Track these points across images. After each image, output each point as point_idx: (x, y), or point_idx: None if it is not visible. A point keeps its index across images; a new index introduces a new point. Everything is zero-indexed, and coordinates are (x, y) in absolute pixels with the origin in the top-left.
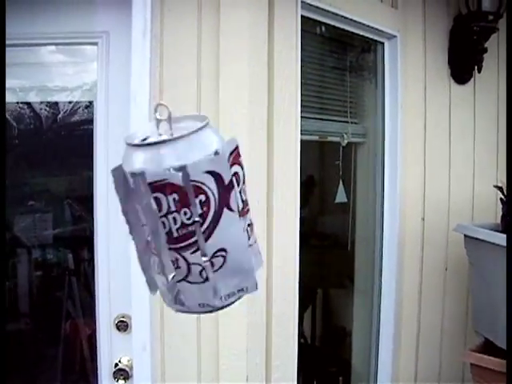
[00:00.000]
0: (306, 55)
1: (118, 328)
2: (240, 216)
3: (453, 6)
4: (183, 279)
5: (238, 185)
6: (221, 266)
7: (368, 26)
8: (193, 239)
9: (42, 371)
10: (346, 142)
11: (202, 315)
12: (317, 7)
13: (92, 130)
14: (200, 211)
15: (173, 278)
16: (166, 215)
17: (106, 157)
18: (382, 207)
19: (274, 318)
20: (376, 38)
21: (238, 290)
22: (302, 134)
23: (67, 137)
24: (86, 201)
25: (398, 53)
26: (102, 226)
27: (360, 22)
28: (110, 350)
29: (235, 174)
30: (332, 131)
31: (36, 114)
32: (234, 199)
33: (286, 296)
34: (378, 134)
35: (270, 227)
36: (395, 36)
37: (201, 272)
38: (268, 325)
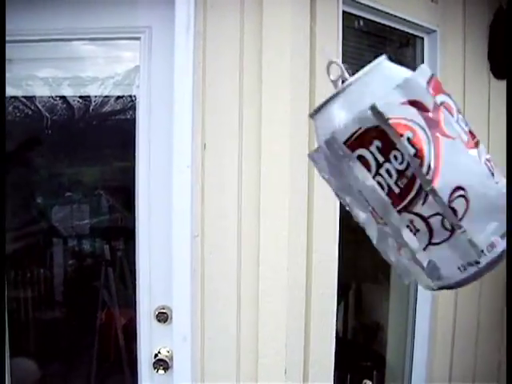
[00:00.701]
0: (345, 50)
1: (158, 319)
2: (467, 147)
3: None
4: (429, 244)
5: (452, 114)
6: (466, 210)
7: (408, 20)
8: (417, 185)
9: (78, 358)
10: None
11: (242, 308)
12: (357, 2)
13: (123, 120)
14: (413, 150)
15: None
16: (377, 172)
17: (148, 149)
18: None
19: (313, 314)
20: (415, 32)
21: (501, 236)
22: None
23: (99, 127)
24: (120, 191)
25: (437, 47)
26: (143, 218)
27: (400, 17)
28: (149, 340)
29: (442, 103)
30: None
31: (69, 104)
32: (449, 125)
33: (325, 292)
34: None
35: (311, 225)
36: (435, 31)
37: (443, 222)
38: (307, 321)
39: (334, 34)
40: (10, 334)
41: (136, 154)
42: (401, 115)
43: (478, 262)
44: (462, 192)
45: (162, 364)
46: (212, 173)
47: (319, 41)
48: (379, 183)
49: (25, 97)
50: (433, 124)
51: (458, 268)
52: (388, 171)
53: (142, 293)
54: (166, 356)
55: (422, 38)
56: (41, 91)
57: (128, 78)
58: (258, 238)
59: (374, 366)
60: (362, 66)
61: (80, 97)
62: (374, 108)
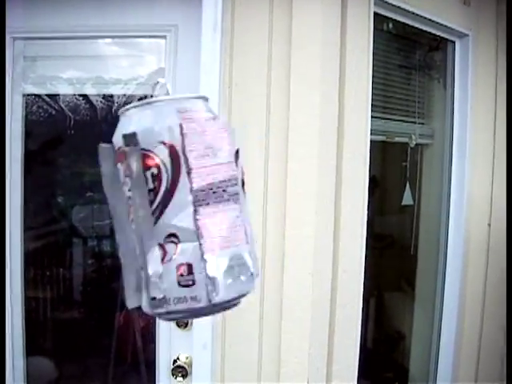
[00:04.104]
0: (374, 53)
1: (178, 324)
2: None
3: None
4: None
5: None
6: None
7: (440, 23)
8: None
9: (95, 359)
10: (414, 143)
11: (265, 316)
12: (390, 4)
13: None
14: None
15: None
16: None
17: None
18: (448, 211)
19: (338, 322)
20: (447, 36)
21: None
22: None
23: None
24: None
25: (469, 52)
26: None
27: (432, 20)
28: (168, 346)
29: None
30: (399, 131)
31: (92, 105)
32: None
33: (350, 300)
34: (447, 136)
35: (337, 229)
36: (467, 35)
37: None
38: (331, 330)
39: (364, 37)
40: (27, 333)
41: None
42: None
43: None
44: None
45: (180, 371)
46: None
47: (350, 41)
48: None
49: (48, 95)
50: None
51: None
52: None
53: None
54: (185, 362)
55: (454, 42)
56: (64, 91)
57: (151, 80)
58: (283, 245)
59: (396, 378)
60: (390, 69)
61: (103, 97)
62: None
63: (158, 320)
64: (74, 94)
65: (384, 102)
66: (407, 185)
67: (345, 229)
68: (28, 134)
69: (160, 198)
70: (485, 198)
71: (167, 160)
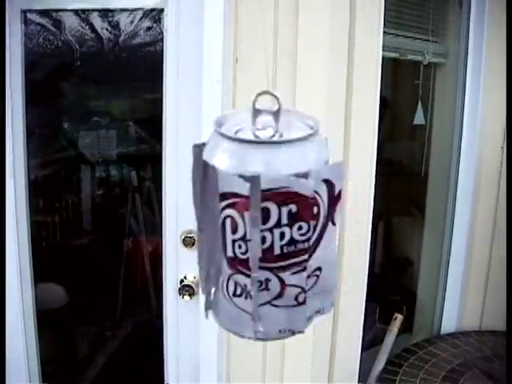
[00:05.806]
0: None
1: (185, 244)
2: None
3: None
4: (268, 302)
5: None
6: (311, 287)
7: None
8: (300, 258)
9: (104, 285)
10: (427, 61)
11: None
12: None
13: (152, 51)
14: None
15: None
16: (271, 229)
17: (176, 78)
18: (461, 132)
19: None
20: None
21: (316, 312)
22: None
23: (128, 59)
24: (147, 122)
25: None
26: (170, 144)
27: None
28: (175, 266)
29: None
30: (412, 49)
31: (98, 35)
32: (338, 212)
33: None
34: (461, 56)
35: (347, 158)
36: None
37: (298, 295)
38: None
39: None
40: (36, 260)
41: (163, 84)
42: (318, 191)
43: (301, 332)
44: (318, 272)
45: (187, 290)
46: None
47: None
48: (263, 237)
49: (54, 26)
50: (331, 209)
51: (279, 330)
52: (282, 234)
53: (169, 218)
54: (192, 282)
55: None
56: (70, 22)
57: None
58: None
59: (403, 301)
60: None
61: (110, 26)
62: (307, 175)
63: (164, 241)
64: (80, 24)
65: (397, 18)
66: (419, 103)
67: (354, 160)
68: (34, 64)
69: (317, 235)
70: (498, 120)
71: (325, 197)
